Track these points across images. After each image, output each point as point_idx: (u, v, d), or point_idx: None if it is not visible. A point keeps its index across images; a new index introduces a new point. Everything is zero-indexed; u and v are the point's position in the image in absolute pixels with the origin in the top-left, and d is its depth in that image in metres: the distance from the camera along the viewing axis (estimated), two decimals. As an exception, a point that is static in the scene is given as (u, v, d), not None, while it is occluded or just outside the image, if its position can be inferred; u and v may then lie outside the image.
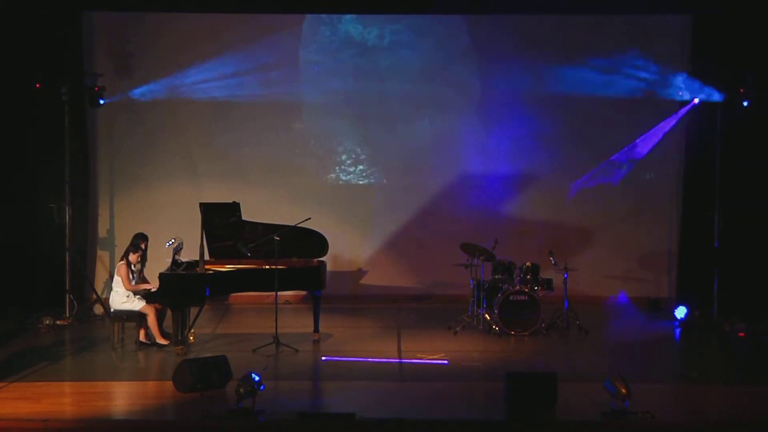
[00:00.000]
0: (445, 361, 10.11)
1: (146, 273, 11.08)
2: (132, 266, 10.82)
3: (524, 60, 13.63)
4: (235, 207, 11.01)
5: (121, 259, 10.85)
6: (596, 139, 13.71)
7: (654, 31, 13.61)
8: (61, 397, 8.87)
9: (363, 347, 10.93)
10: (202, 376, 8.75)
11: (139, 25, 13.69)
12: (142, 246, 10.94)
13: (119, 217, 13.76)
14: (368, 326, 12.28)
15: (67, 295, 12.54)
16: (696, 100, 12.73)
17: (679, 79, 13.20)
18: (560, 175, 13.77)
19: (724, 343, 11.37)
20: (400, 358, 10.38)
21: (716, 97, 12.54)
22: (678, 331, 12.06)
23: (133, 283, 10.79)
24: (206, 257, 10.85)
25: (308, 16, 13.74)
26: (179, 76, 13.66)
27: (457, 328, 11.56)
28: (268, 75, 13.74)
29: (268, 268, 10.85)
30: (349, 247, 13.92)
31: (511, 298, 11.34)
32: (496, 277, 11.82)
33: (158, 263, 11.17)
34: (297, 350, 10.55)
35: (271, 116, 13.85)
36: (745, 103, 12.20)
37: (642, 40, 13.54)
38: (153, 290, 10.60)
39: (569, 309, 11.67)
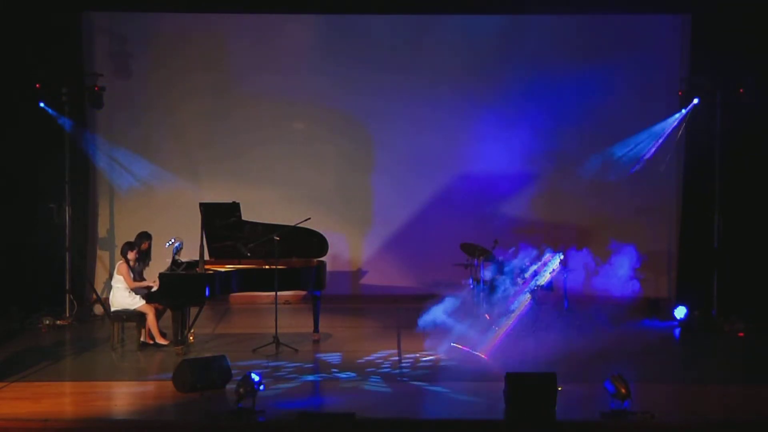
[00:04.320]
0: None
1: (146, 273, 11.08)
2: (130, 264, 10.82)
3: (523, 60, 13.63)
4: (234, 207, 11.02)
5: (120, 258, 10.87)
6: (596, 139, 13.69)
7: (653, 31, 13.61)
8: (61, 397, 8.88)
9: (363, 347, 10.93)
10: (202, 376, 8.76)
11: (139, 25, 13.69)
12: (143, 246, 10.95)
13: (119, 217, 13.76)
14: (368, 326, 12.28)
15: (67, 295, 12.55)
16: (695, 100, 12.67)
17: (679, 79, 13.18)
18: (560, 175, 13.75)
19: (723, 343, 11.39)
20: (400, 358, 10.39)
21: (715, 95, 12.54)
22: (678, 331, 12.05)
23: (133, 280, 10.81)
24: (206, 257, 10.85)
25: (308, 16, 13.73)
26: (178, 76, 13.67)
27: (457, 328, 11.55)
28: (267, 75, 13.74)
29: (268, 268, 10.85)
30: (349, 247, 13.92)
31: (510, 297, 11.33)
32: (496, 277, 11.82)
33: (158, 263, 11.16)
34: (297, 350, 10.55)
35: (272, 116, 13.84)
36: (745, 104, 12.21)
37: (641, 39, 13.53)
38: (154, 289, 10.61)
39: (569, 309, 11.66)
